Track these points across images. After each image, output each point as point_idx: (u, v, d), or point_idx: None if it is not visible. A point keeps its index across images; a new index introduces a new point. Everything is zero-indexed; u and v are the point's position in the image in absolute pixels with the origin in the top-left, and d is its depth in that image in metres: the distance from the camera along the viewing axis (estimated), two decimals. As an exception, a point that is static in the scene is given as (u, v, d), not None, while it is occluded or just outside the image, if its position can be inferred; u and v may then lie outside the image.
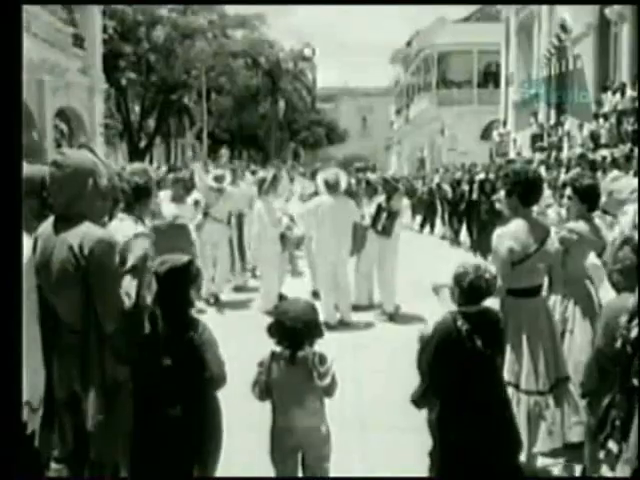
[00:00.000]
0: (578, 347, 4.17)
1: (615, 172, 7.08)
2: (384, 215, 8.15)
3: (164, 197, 7.91)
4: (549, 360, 3.90)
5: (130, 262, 3.06)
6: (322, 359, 3.22)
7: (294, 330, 3.18)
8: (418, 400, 3.28)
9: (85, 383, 2.88)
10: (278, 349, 3.26)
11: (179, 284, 3.07)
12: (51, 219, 2.98)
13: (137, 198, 4.65)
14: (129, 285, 3.01)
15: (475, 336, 3.13)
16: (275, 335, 3.25)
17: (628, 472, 2.76)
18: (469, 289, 3.22)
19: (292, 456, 3.26)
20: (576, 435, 3.80)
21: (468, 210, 14.69)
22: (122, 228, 4.27)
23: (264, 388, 3.25)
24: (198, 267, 3.24)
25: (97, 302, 2.85)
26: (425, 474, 3.37)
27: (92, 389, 2.86)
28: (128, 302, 2.96)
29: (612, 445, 2.80)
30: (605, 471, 2.88)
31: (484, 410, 3.16)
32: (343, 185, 7.94)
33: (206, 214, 8.80)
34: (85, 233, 2.84)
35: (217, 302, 8.86)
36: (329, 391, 3.24)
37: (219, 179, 9.19)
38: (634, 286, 2.85)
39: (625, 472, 2.77)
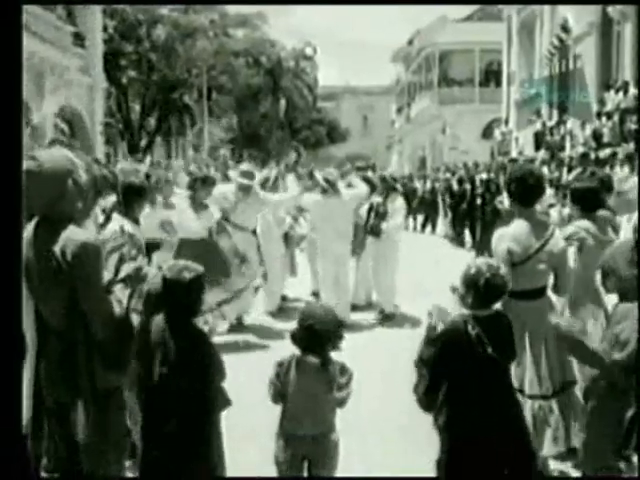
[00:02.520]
0: None
1: (625, 171, 7.04)
2: (372, 214, 8.13)
3: (180, 202, 6.80)
4: (554, 364, 3.84)
5: (123, 273, 2.99)
6: (343, 370, 3.15)
7: (323, 334, 3.09)
8: (423, 400, 3.13)
9: (73, 391, 2.81)
10: (300, 354, 3.17)
11: (197, 293, 3.00)
12: (33, 222, 2.90)
13: (131, 198, 4.63)
14: (121, 292, 2.95)
15: (486, 341, 2.98)
16: (302, 341, 3.14)
17: None
18: (485, 289, 3.01)
19: (298, 465, 3.18)
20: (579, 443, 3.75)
21: (471, 210, 14.65)
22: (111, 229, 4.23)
23: (279, 391, 3.16)
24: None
25: (85, 308, 2.78)
26: (425, 475, 3.34)
27: (81, 398, 2.79)
28: (119, 309, 2.89)
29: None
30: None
31: (495, 411, 3.04)
32: (341, 184, 7.90)
33: (226, 219, 7.31)
34: (67, 237, 2.75)
35: (240, 325, 7.54)
36: (343, 402, 3.17)
37: (247, 176, 7.50)
38: None
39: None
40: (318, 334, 3.10)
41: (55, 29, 19.40)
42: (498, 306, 3.26)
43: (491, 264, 3.10)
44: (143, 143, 36.14)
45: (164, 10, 35.06)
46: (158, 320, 3.00)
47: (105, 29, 25.92)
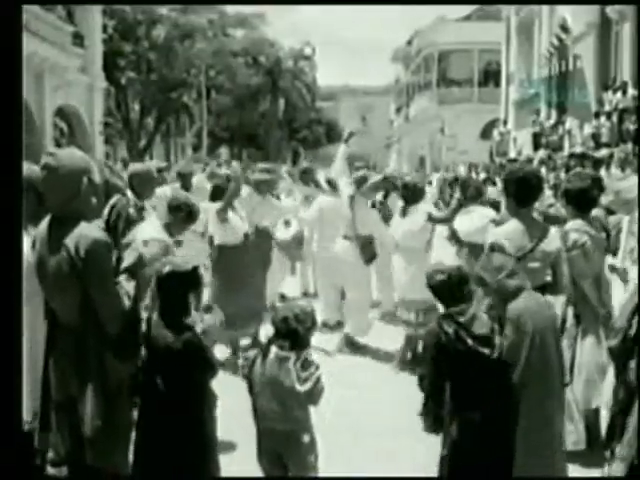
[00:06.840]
0: (586, 350, 4.12)
1: (628, 171, 7.02)
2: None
3: None
4: None
5: (124, 264, 3.03)
6: (306, 364, 3.07)
7: (288, 331, 3.09)
8: (428, 421, 3.17)
9: (82, 386, 2.84)
10: (270, 346, 3.16)
11: (178, 288, 3.03)
12: (47, 219, 2.94)
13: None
14: (128, 286, 2.98)
15: (464, 335, 3.03)
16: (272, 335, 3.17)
17: (622, 470, 2.75)
18: (458, 292, 3.19)
19: (277, 461, 3.14)
20: (569, 444, 3.74)
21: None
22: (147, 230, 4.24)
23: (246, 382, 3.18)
24: (201, 274, 3.16)
25: (96, 304, 2.81)
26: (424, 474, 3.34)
27: (90, 392, 2.82)
28: (127, 302, 2.92)
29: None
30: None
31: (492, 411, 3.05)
32: (342, 184, 7.89)
33: None
34: (80, 234, 2.79)
35: None
36: (311, 398, 3.06)
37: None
38: None
39: (619, 470, 2.76)
40: (282, 330, 3.11)
41: (55, 29, 19.40)
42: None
43: (458, 268, 3.32)
44: (142, 143, 36.14)
45: (163, 10, 35.07)
46: (154, 315, 3.05)
47: (104, 29, 25.92)
